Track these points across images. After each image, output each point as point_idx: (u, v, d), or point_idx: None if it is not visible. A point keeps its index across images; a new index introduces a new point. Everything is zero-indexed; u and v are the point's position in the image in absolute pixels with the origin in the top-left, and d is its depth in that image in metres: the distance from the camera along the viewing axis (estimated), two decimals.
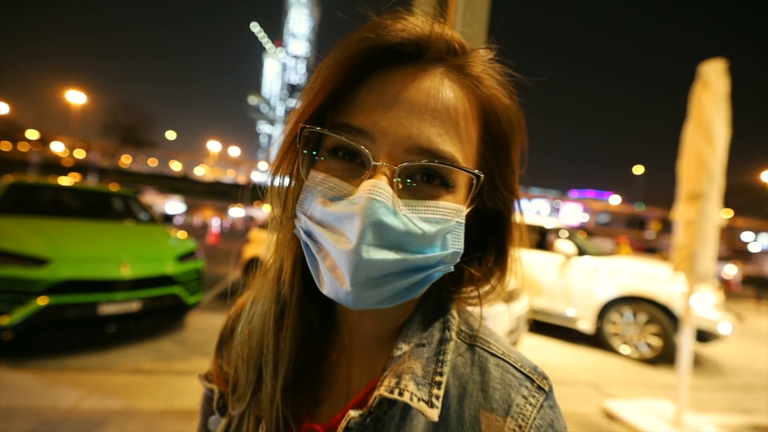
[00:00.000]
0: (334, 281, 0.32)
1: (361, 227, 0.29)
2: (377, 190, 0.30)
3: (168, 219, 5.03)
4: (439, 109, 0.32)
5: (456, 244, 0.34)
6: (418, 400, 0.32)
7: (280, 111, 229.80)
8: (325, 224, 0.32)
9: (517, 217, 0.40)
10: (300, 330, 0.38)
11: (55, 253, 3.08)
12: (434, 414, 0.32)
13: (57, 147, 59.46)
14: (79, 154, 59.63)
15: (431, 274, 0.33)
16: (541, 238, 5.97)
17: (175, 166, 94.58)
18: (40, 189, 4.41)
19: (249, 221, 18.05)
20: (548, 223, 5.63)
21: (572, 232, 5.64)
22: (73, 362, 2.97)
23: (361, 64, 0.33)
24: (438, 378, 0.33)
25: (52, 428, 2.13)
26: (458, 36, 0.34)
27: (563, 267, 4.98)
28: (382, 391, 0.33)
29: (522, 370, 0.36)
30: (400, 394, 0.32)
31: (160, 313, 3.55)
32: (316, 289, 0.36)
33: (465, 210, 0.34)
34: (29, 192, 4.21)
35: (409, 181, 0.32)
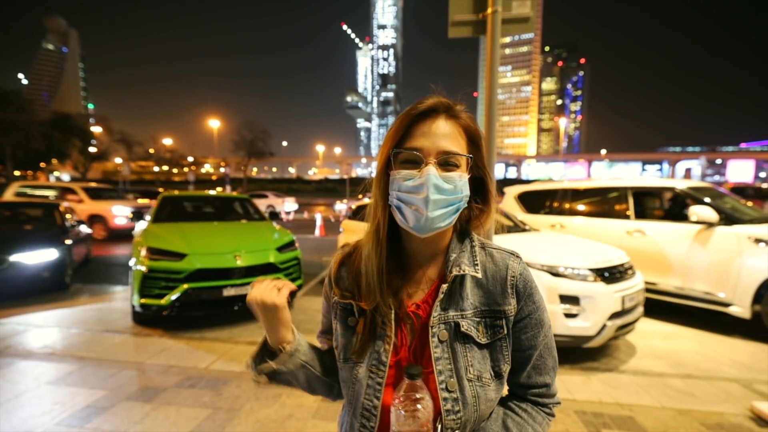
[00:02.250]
0: (418, 216, 0.65)
1: (428, 185, 0.64)
2: (431, 169, 0.64)
3: (273, 216, 5.84)
4: (447, 133, 0.67)
5: (466, 190, 0.68)
6: (471, 270, 0.69)
7: (374, 104, 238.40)
8: (408, 191, 0.65)
9: (491, 179, 0.75)
10: (389, 254, 0.71)
11: (191, 249, 3.94)
12: (479, 274, 0.69)
13: (206, 166, 74.21)
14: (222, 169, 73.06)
15: (458, 206, 0.67)
16: (673, 204, 4.89)
17: (292, 170, 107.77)
18: (182, 199, 5.66)
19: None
20: (679, 185, 4.56)
21: (717, 193, 4.45)
22: (209, 334, 3.78)
23: (409, 121, 0.68)
24: (476, 262, 0.70)
25: (193, 382, 2.79)
26: (449, 100, 0.69)
27: (702, 238, 4.01)
28: (454, 272, 0.68)
29: (508, 251, 0.74)
30: (462, 271, 0.69)
31: None
32: (397, 238, 0.73)
33: (467, 175, 0.68)
34: (175, 202, 5.44)
35: (441, 166, 0.66)
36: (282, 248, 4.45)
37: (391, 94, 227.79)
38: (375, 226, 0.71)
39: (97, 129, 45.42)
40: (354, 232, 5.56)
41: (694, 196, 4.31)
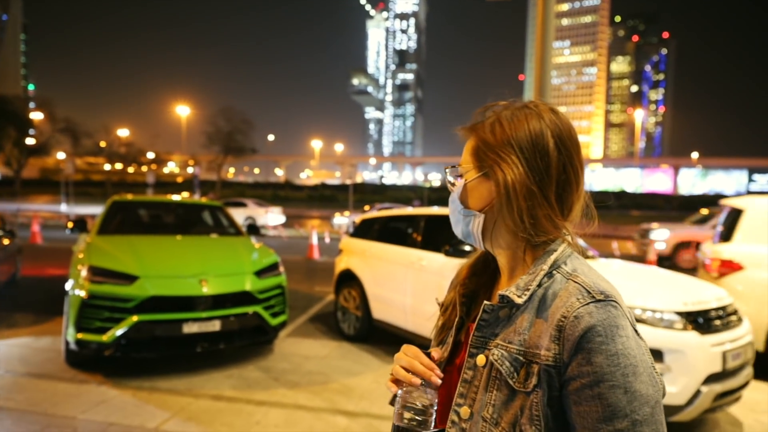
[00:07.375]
0: None
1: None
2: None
3: (252, 230, 5.92)
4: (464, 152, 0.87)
5: (464, 201, 0.85)
6: (514, 295, 0.73)
7: (388, 89, 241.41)
8: None
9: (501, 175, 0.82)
10: (473, 267, 0.90)
11: (144, 270, 4.01)
12: (520, 301, 0.72)
13: (171, 165, 76.24)
14: (191, 169, 74.89)
15: (469, 216, 0.83)
16: None
17: (279, 172, 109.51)
18: (137, 205, 5.80)
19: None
20: None
21: None
22: (163, 383, 3.79)
23: None
24: (529, 288, 0.73)
25: None
26: (470, 123, 0.85)
27: None
28: (500, 292, 0.75)
29: (588, 289, 0.69)
30: (507, 293, 0.73)
31: (242, 334, 4.21)
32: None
33: (462, 182, 0.86)
34: (128, 209, 5.59)
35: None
36: (262, 272, 4.48)
37: (410, 76, 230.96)
38: None
39: (37, 116, 47.26)
40: (357, 254, 5.53)
41: None
